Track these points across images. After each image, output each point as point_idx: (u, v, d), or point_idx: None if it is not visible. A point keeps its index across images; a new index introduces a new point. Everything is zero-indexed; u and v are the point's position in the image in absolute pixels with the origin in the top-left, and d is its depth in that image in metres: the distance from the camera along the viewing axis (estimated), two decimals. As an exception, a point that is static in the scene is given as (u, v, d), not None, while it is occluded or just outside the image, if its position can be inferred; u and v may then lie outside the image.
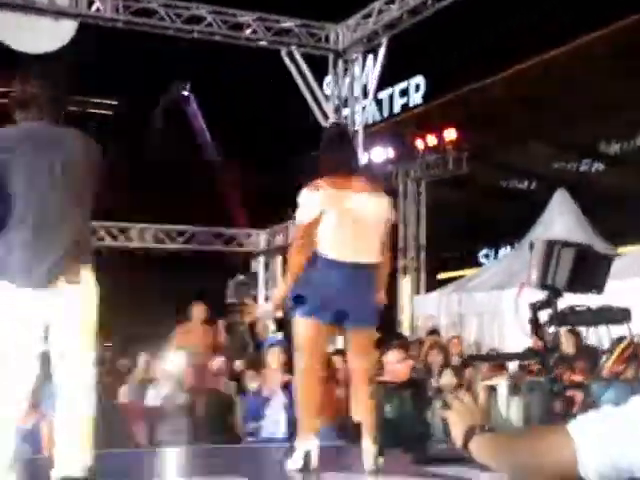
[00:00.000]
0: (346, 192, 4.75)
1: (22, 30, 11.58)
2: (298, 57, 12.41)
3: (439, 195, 16.36)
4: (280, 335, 10.25)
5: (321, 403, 4.78)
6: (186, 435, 7.62)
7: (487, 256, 20.77)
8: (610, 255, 3.83)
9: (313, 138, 5.26)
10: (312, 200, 4.72)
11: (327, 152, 4.97)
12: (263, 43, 12.42)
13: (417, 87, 19.72)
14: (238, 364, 9.49)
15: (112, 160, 4.18)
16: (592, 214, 12.45)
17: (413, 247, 15.57)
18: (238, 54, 13.69)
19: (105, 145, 4.16)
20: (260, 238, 16.83)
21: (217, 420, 7.98)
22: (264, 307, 14.68)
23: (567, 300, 3.23)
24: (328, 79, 13.21)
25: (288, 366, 7.11)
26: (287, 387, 6.90)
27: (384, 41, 12.09)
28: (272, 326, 11.80)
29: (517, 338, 2.94)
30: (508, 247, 18.82)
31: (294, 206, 4.85)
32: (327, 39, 12.69)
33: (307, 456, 4.59)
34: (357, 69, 13.00)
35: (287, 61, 12.44)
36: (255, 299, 15.71)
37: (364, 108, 13.21)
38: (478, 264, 18.66)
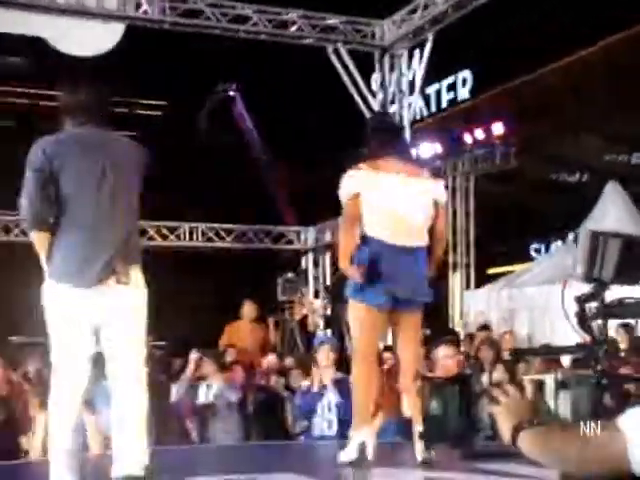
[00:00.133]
0: (387, 174, 4.72)
1: (71, 33, 11.73)
2: (344, 54, 12.39)
3: (488, 189, 16.23)
4: (329, 332, 10.26)
5: (379, 394, 4.74)
6: (237, 432, 7.67)
7: (538, 250, 20.53)
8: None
9: (359, 135, 5.26)
10: (349, 181, 4.73)
11: (371, 136, 4.98)
12: (309, 41, 12.41)
13: (464, 81, 19.57)
14: (288, 362, 9.52)
15: (160, 161, 4.23)
16: (644, 206, 12.24)
17: (463, 242, 15.46)
18: (284, 52, 13.72)
19: (154, 146, 4.22)
20: (309, 235, 16.85)
21: (267, 418, 8.01)
22: (314, 305, 14.71)
23: (617, 292, 3.18)
24: (375, 76, 13.17)
25: (338, 364, 7.11)
26: (338, 385, 6.89)
27: (430, 36, 12.02)
28: (321, 323, 11.81)
29: (569, 333, 2.89)
30: (559, 241, 18.58)
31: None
32: (373, 35, 12.65)
33: (361, 448, 4.54)
34: (404, 65, 12.94)
35: (333, 58, 12.43)
36: (304, 296, 15.73)
37: (411, 104, 13.15)
38: (529, 259, 18.44)
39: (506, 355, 8.16)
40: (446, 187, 14.95)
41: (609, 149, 19.15)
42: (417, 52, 13.18)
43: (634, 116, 15.76)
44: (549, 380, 2.31)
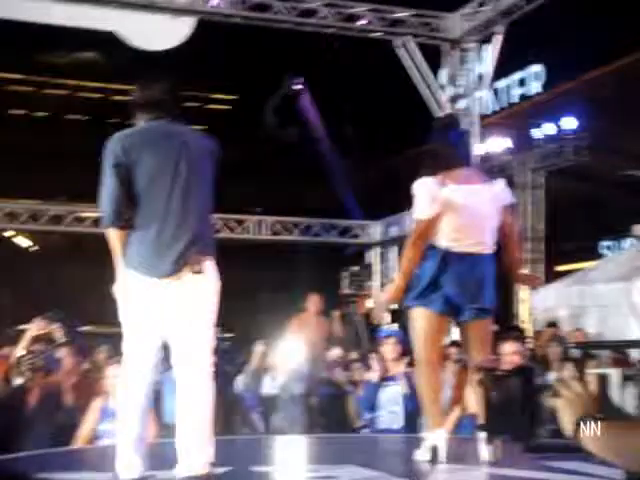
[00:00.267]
0: (463, 186, 4.72)
1: (142, 28, 11.90)
2: (413, 47, 12.32)
3: (558, 185, 16.00)
4: (395, 326, 10.22)
5: (456, 389, 4.74)
6: (301, 424, 7.70)
7: (608, 248, 20.17)
8: None
9: (427, 129, 5.22)
10: (433, 196, 4.69)
11: (441, 144, 4.93)
12: (377, 34, 12.39)
13: (536, 75, 19.30)
14: (352, 356, 9.52)
15: (229, 155, 4.28)
16: None
17: (532, 239, 15.28)
18: (351, 46, 13.71)
19: (223, 140, 4.27)
20: (375, 229, 16.83)
21: (331, 411, 8.03)
22: (379, 299, 14.66)
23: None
24: (443, 70, 13.06)
25: (404, 357, 7.09)
26: (404, 377, 6.87)
27: (501, 29, 11.87)
28: (387, 317, 11.78)
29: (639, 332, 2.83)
30: (631, 238, 18.22)
31: (409, 197, 4.83)
32: (442, 28, 12.56)
33: (434, 450, 4.61)
34: (474, 58, 12.81)
35: (401, 52, 12.37)
36: (370, 290, 15.72)
37: (480, 98, 13.01)
38: (599, 256, 18.13)
39: (574, 352, 8.04)
40: (514, 183, 14.83)
41: (684, 145, 18.69)
42: (487, 46, 13.04)
43: None
44: (615, 375, 2.27)
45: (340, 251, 16.90)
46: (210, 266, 4.04)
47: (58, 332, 7.93)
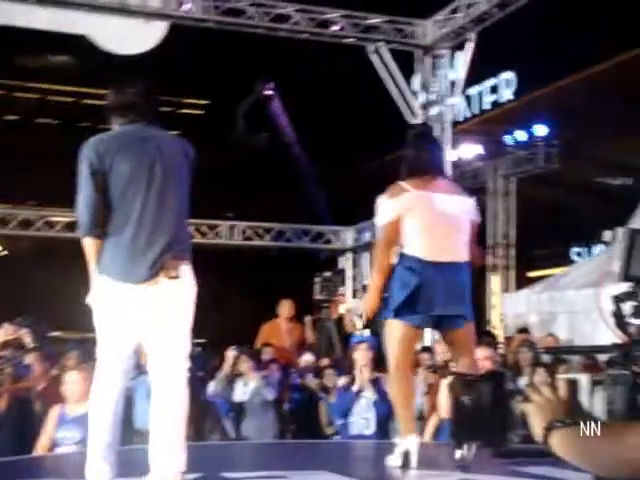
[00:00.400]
0: (431, 193, 4.76)
1: (114, 32, 11.84)
2: (385, 54, 12.35)
3: (529, 192, 16.10)
4: (367, 332, 10.23)
5: (432, 396, 4.75)
6: (272, 430, 7.68)
7: (579, 254, 20.33)
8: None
9: (400, 136, 5.25)
10: (393, 205, 4.76)
11: (413, 152, 4.97)
12: (350, 40, 12.40)
13: (507, 83, 19.41)
14: (324, 362, 9.51)
15: (202, 159, 4.27)
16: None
17: (502, 245, 15.36)
18: (323, 52, 13.72)
19: (196, 144, 4.26)
20: (347, 235, 16.84)
21: (303, 417, 8.02)
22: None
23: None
24: (416, 76, 13.10)
25: (375, 363, 7.10)
26: (376, 384, 6.89)
27: (472, 36, 11.93)
28: (359, 323, 11.78)
29: (611, 337, 2.85)
30: (601, 245, 18.37)
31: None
32: (414, 35, 12.60)
33: (406, 456, 4.63)
34: (446, 65, 12.86)
35: (374, 58, 12.40)
36: (341, 296, 15.73)
37: (452, 105, 13.06)
38: (570, 262, 18.27)
39: (545, 358, 8.09)
40: (486, 190, 14.91)
41: (654, 152, 18.87)
42: (460, 53, 13.09)
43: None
44: (584, 379, 2.28)
45: (313, 256, 16.89)
46: (187, 270, 4.02)
47: (27, 337, 7.85)
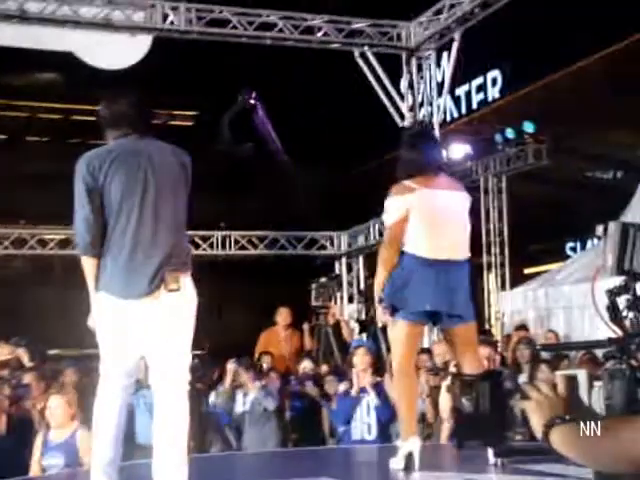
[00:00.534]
0: (433, 190, 4.77)
1: (99, 47, 11.83)
2: (371, 57, 12.36)
3: (521, 189, 16.11)
4: (364, 337, 10.22)
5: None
6: (274, 439, 7.67)
7: (574, 249, 20.35)
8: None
9: (390, 138, 5.26)
10: (401, 203, 4.76)
11: (407, 153, 4.98)
12: (335, 45, 12.40)
13: (494, 81, 19.45)
14: (323, 368, 9.50)
15: (193, 170, 4.26)
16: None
17: (497, 243, 15.36)
18: (312, 59, 13.72)
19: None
20: (341, 240, 16.84)
21: (304, 424, 8.01)
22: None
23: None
24: (403, 79, 13.11)
25: (375, 367, 7.10)
26: (376, 388, 6.88)
27: (457, 36, 11.95)
28: (356, 328, 11.78)
29: (608, 331, 2.86)
30: (595, 239, 18.39)
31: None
32: (399, 38, 12.61)
33: (409, 457, 4.62)
34: (432, 66, 12.88)
35: (361, 62, 12.41)
36: (338, 301, 15.71)
37: (440, 106, 13.06)
38: (565, 257, 18.28)
39: (544, 355, 8.09)
40: (478, 188, 14.94)
41: (643, 145, 18.91)
42: (445, 53, 13.11)
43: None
44: (581, 375, 2.28)
45: (309, 263, 16.87)
46: (187, 282, 4.01)
47: (24, 356, 7.83)
